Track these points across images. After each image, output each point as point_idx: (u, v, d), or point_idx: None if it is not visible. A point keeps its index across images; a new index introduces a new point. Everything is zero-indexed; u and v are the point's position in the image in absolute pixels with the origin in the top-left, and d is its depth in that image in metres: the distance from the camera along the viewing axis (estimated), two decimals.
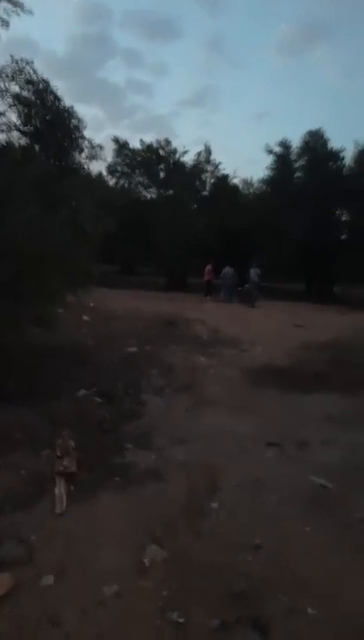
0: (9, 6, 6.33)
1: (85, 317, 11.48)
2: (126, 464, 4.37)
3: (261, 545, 3.29)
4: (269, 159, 23.99)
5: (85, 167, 7.43)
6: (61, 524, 3.40)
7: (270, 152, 23.46)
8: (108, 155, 22.48)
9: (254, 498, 3.91)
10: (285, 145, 23.35)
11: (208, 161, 24.28)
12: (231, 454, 4.70)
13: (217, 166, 24.61)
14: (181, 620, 2.64)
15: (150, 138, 50.08)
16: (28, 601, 2.71)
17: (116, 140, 23.89)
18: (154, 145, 24.04)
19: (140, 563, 3.06)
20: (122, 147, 24.03)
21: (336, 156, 22.55)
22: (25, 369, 6.75)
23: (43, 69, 6.31)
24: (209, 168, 24.43)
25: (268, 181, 24.25)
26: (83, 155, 7.27)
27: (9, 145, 6.87)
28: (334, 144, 22.84)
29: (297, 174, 23.23)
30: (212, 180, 24.69)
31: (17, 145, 6.71)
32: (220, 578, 2.96)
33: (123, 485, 3.96)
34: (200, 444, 4.88)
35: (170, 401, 6.34)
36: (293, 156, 23.36)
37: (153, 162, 23.95)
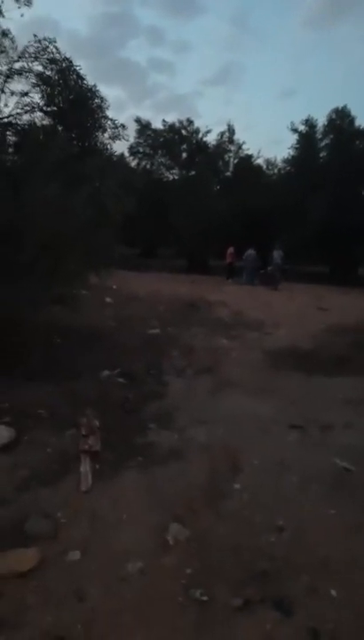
0: None
1: (108, 299, 11.54)
2: (149, 444, 4.41)
3: (284, 526, 3.29)
4: (293, 138, 23.43)
5: (108, 147, 7.38)
6: (86, 502, 3.45)
7: (294, 131, 22.92)
8: (130, 135, 22.29)
9: (276, 479, 3.90)
10: (310, 123, 22.77)
11: (231, 141, 23.91)
12: (253, 436, 4.68)
13: (240, 146, 24.24)
14: (204, 598, 2.66)
15: (172, 118, 49.50)
16: (55, 575, 2.77)
17: (138, 121, 23.71)
18: (177, 125, 23.76)
19: (163, 541, 3.10)
20: (144, 127, 23.81)
21: (362, 134, 21.92)
22: (48, 348, 6.84)
23: (65, 49, 6.31)
24: (233, 148, 24.08)
25: (292, 161, 23.76)
26: (106, 135, 7.22)
27: (31, 126, 6.85)
28: (361, 122, 22.25)
29: (322, 153, 22.69)
30: (235, 161, 24.33)
31: (40, 125, 6.70)
32: (243, 557, 2.98)
33: (146, 465, 4.00)
34: (222, 425, 4.87)
35: (192, 382, 6.35)
36: (318, 135, 22.79)
37: (175, 142, 23.68)
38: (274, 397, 5.76)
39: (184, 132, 23.72)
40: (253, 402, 5.60)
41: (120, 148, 24.78)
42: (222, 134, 23.86)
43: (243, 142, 24.58)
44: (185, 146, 23.73)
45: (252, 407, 5.43)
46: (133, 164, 24.15)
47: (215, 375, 6.58)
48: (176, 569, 2.88)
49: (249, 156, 24.59)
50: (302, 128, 22.89)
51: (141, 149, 24.10)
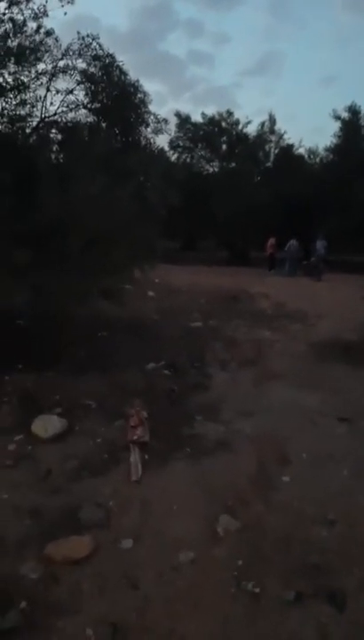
0: None
1: (150, 293, 11.63)
2: (196, 435, 4.44)
3: (335, 520, 3.25)
4: (336, 126, 22.72)
5: (151, 142, 7.42)
6: (137, 491, 3.51)
7: (337, 118, 22.20)
8: (170, 130, 22.29)
9: (326, 472, 3.86)
10: (353, 110, 21.99)
11: (272, 131, 23.42)
12: (300, 428, 4.64)
13: (281, 136, 23.71)
14: (256, 590, 2.67)
15: (212, 110, 49.09)
16: (108, 563, 2.84)
17: (178, 115, 23.57)
18: (216, 117, 23.47)
19: (214, 532, 3.12)
20: (183, 121, 23.65)
21: None
22: (95, 341, 6.99)
23: (106, 45, 6.38)
24: (273, 138, 23.56)
25: (334, 149, 23.09)
26: (149, 129, 7.25)
27: (75, 124, 6.96)
28: None
29: None
30: (276, 151, 23.83)
31: (84, 122, 6.79)
32: (294, 550, 2.97)
33: (194, 456, 4.03)
34: (268, 417, 4.85)
35: (236, 374, 6.33)
36: (362, 122, 22.04)
37: (215, 134, 23.42)
38: (320, 390, 5.67)
39: (223, 123, 23.41)
40: (299, 394, 5.54)
41: (160, 142, 24.78)
42: (262, 125, 23.40)
43: (284, 132, 24.09)
44: (225, 138, 23.40)
45: (298, 399, 5.37)
46: (173, 158, 24.13)
47: (259, 367, 6.53)
48: (227, 560, 2.89)
49: (291, 146, 24.04)
50: (345, 115, 22.16)
51: (181, 143, 23.97)
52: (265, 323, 9.16)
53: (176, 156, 24.17)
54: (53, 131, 6.84)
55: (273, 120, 23.45)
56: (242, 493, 3.51)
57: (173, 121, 22.98)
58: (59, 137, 7.04)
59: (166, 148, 22.54)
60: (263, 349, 7.34)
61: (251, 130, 23.74)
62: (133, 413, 4.48)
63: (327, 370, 6.46)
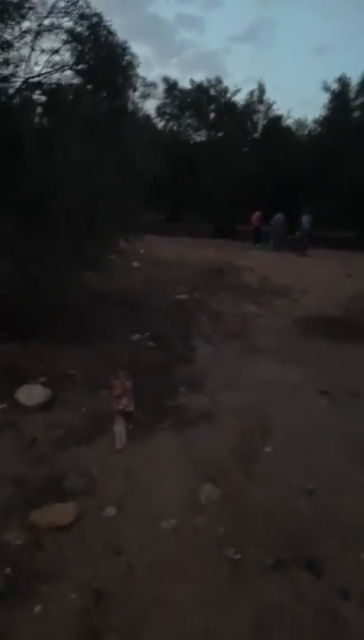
0: None
1: (135, 264, 11.51)
2: (180, 406, 4.48)
3: (314, 490, 3.34)
4: (325, 98, 22.32)
5: (139, 106, 7.20)
6: (121, 460, 3.55)
7: (327, 89, 21.73)
8: (158, 95, 21.70)
9: (307, 444, 3.93)
10: (343, 82, 21.56)
11: (260, 101, 22.91)
12: (283, 401, 4.70)
13: (270, 106, 23.24)
14: (237, 557, 2.74)
15: (200, 77, 47.77)
16: (92, 530, 2.88)
17: (166, 80, 22.91)
18: (205, 84, 22.88)
19: (196, 500, 3.18)
20: (171, 87, 23.01)
21: None
22: (80, 311, 6.91)
23: (92, 4, 6.08)
24: (262, 108, 23.12)
25: (323, 122, 22.77)
26: (137, 93, 7.03)
27: (61, 85, 6.70)
28: None
29: (356, 113, 21.65)
30: (264, 122, 23.44)
31: (70, 84, 6.54)
32: (274, 519, 3.04)
33: (178, 426, 4.08)
34: (251, 390, 4.90)
35: (220, 348, 6.36)
36: (351, 95, 21.70)
37: (203, 102, 22.87)
38: (303, 364, 5.74)
39: (212, 91, 22.83)
40: (282, 368, 5.60)
41: (147, 108, 24.04)
42: (251, 93, 22.93)
43: (273, 102, 23.56)
44: (213, 106, 22.84)
45: (281, 374, 5.43)
46: (160, 125, 23.56)
47: (243, 341, 6.57)
48: (208, 528, 2.96)
49: (279, 117, 23.62)
50: (334, 87, 21.74)
51: (168, 110, 23.41)
52: (250, 297, 9.17)
53: (163, 123, 23.62)
54: (37, 92, 6.57)
55: (262, 89, 22.96)
56: (225, 464, 3.57)
57: (160, 87, 22.34)
58: (44, 99, 6.78)
59: (153, 115, 22.02)
60: (247, 323, 7.37)
61: (240, 99, 23.25)
62: (118, 384, 4.48)
63: (310, 345, 6.53)
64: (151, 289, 9.20)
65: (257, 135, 23.45)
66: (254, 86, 23.65)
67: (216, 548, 2.81)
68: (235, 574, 2.63)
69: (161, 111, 23.12)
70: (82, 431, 3.90)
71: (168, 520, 2.98)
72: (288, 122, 24.15)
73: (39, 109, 6.79)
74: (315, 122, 23.57)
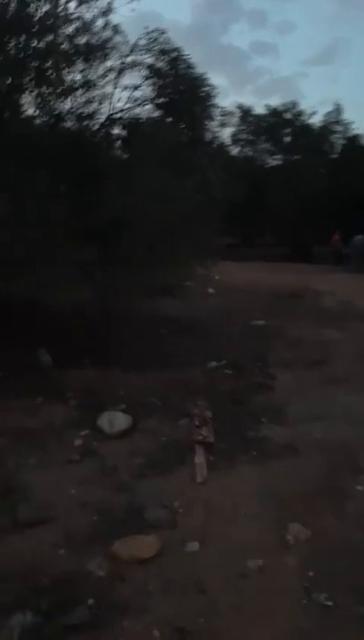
0: None
1: (210, 290, 11.55)
2: (261, 437, 4.31)
3: None
4: None
5: (216, 135, 7.33)
6: (202, 493, 3.45)
7: None
8: (232, 123, 22.07)
9: None
10: None
11: (337, 121, 22.61)
12: None
13: (347, 126, 22.86)
14: (329, 603, 2.54)
15: (275, 101, 47.90)
16: (174, 565, 2.80)
17: (240, 107, 23.24)
18: (280, 109, 22.95)
19: (283, 539, 3.00)
20: (245, 113, 23.32)
21: None
22: (157, 337, 7.00)
23: (172, 39, 6.40)
24: (339, 129, 22.76)
25: None
26: (215, 123, 7.17)
27: (141, 119, 6.98)
28: None
29: None
30: (342, 142, 23.02)
31: (150, 117, 6.79)
32: None
33: (261, 459, 3.92)
34: (337, 421, 4.63)
35: (302, 376, 6.12)
36: None
37: (278, 126, 22.91)
38: None
39: (287, 115, 22.87)
40: None
41: (222, 135, 24.34)
42: (328, 115, 22.71)
43: (351, 122, 23.15)
44: (288, 130, 22.90)
45: None
46: (235, 151, 23.82)
47: (326, 369, 6.28)
48: (297, 569, 2.78)
49: (358, 136, 23.13)
50: None
51: (243, 136, 23.66)
52: (331, 322, 8.81)
53: (237, 149, 23.88)
54: (119, 127, 6.90)
55: (339, 110, 22.65)
56: (312, 501, 3.36)
57: (236, 114, 22.70)
58: (124, 133, 7.10)
59: (228, 142, 22.35)
60: (330, 350, 7.06)
61: (316, 120, 23.04)
62: (197, 413, 4.42)
63: None
64: (226, 315, 9.15)
65: (334, 156, 23.04)
66: (331, 107, 23.36)
67: (305, 592, 2.62)
68: (326, 621, 2.44)
69: (235, 137, 23.41)
70: (162, 460, 3.86)
71: (253, 558, 2.83)
72: None
73: (120, 143, 7.11)
74: None
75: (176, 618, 2.44)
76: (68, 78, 6.09)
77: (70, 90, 6.17)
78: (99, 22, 6.33)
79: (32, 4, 5.65)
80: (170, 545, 2.94)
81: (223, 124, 7.37)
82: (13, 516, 3.15)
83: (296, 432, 4.43)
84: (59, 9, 5.89)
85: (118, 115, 6.67)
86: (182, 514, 3.23)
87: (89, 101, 6.39)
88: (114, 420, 4.36)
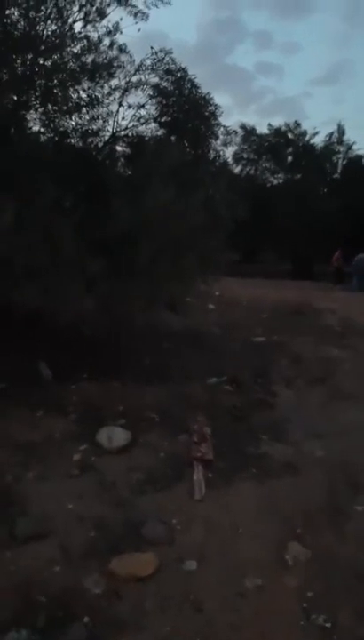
0: None
1: (211, 305, 11.56)
2: (261, 455, 4.29)
3: None
4: None
5: (220, 154, 7.43)
6: (200, 510, 3.43)
7: None
8: (235, 142, 22.37)
9: None
10: None
11: (340, 141, 22.95)
12: None
13: (350, 147, 23.19)
14: (328, 625, 2.51)
15: (278, 121, 48.53)
16: (172, 583, 2.77)
17: (243, 127, 23.57)
18: (283, 128, 23.32)
19: (282, 559, 2.97)
20: (249, 133, 23.66)
21: None
22: (157, 352, 7.00)
23: (177, 59, 6.55)
24: (342, 149, 23.10)
25: None
26: (219, 141, 7.27)
27: (146, 137, 7.07)
28: None
29: None
30: (344, 162, 23.33)
31: (154, 135, 6.89)
32: None
33: (260, 477, 3.88)
34: (339, 440, 4.60)
35: (303, 393, 6.10)
36: None
37: (281, 146, 23.24)
38: None
39: (290, 135, 23.23)
40: None
41: (225, 153, 24.64)
42: (331, 135, 23.07)
43: (353, 142, 23.49)
44: (291, 149, 23.22)
45: None
46: (237, 170, 24.11)
47: (327, 386, 6.26)
48: (296, 590, 2.74)
49: (360, 157, 23.44)
50: None
51: (245, 155, 23.97)
52: (332, 340, 8.81)
53: (239, 168, 24.15)
54: (123, 144, 6.99)
55: (341, 130, 23.01)
56: (312, 520, 3.33)
57: (239, 133, 23.01)
58: (129, 150, 7.18)
59: (230, 160, 22.62)
60: (331, 368, 7.04)
61: (319, 140, 23.38)
62: (196, 429, 4.41)
63: None
64: (227, 331, 9.15)
65: (336, 175, 23.32)
66: (334, 128, 23.74)
67: (304, 613, 2.59)
68: None
69: (237, 156, 23.69)
70: (160, 476, 3.83)
71: (252, 578, 2.81)
72: None
73: (125, 160, 7.19)
74: None
75: (173, 637, 2.42)
76: (74, 96, 6.19)
77: (76, 107, 6.26)
78: (106, 42, 6.45)
79: (40, 24, 5.76)
80: (168, 562, 2.91)
81: (226, 143, 7.42)
82: (10, 530, 3.12)
83: (297, 450, 4.40)
84: (66, 28, 6.01)
85: (122, 132, 6.77)
86: (180, 531, 3.21)
87: (94, 119, 6.49)
88: (113, 436, 4.34)
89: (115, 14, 6.52)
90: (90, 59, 6.29)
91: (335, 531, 3.24)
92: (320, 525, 3.28)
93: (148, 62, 6.68)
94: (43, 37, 5.73)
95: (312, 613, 2.59)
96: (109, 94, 6.67)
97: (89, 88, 6.36)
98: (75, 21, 6.12)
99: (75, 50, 6.14)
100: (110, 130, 6.80)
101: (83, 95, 6.34)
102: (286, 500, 3.54)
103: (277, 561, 2.95)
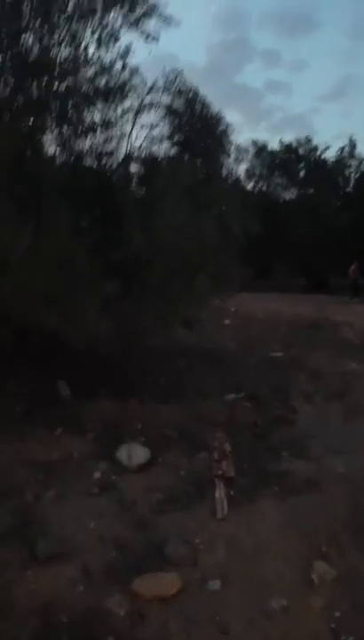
0: (159, 22, 6.53)
1: (227, 321, 11.53)
2: (283, 472, 4.22)
3: None
4: None
5: (232, 171, 7.52)
6: (223, 529, 3.38)
7: None
8: (247, 159, 22.58)
9: None
10: None
11: (352, 155, 22.97)
12: None
13: (362, 160, 23.17)
14: None
15: (289, 137, 48.84)
16: (196, 603, 2.73)
17: (255, 144, 23.76)
18: (294, 144, 23.44)
19: (307, 578, 2.91)
20: (260, 150, 23.82)
21: None
22: (174, 369, 6.98)
23: (188, 80, 6.72)
24: (354, 163, 23.10)
25: None
26: (231, 159, 7.35)
27: (158, 157, 7.17)
28: None
29: None
30: (356, 175, 23.30)
31: (167, 155, 6.99)
32: None
33: (282, 494, 3.82)
34: (360, 455, 4.52)
35: (322, 408, 6.03)
36: None
37: (292, 161, 23.33)
38: None
39: (301, 150, 23.33)
40: None
41: (237, 170, 24.80)
42: (342, 149, 23.11)
43: None
44: (302, 164, 23.29)
45: None
46: (249, 186, 24.21)
47: (347, 401, 6.17)
48: (324, 610, 2.69)
49: None
50: None
51: (257, 172, 24.08)
52: (350, 354, 8.70)
53: (252, 184, 24.26)
54: (137, 164, 7.09)
55: (353, 144, 23.03)
56: (337, 538, 3.26)
57: (250, 150, 23.21)
58: (143, 170, 7.28)
59: (242, 177, 22.77)
60: (350, 382, 6.95)
61: (330, 155, 23.43)
62: (217, 446, 4.37)
63: None
64: (244, 347, 9.11)
65: (349, 189, 23.30)
66: (345, 142, 23.77)
67: (332, 634, 2.53)
68: None
69: (250, 173, 23.81)
70: (181, 495, 3.79)
71: (277, 598, 2.75)
72: None
73: (138, 180, 7.28)
74: None
75: None
76: (88, 118, 6.31)
77: (90, 129, 6.38)
78: (118, 64, 6.57)
79: (54, 49, 5.91)
80: (191, 583, 2.87)
81: (239, 160, 7.51)
82: (31, 549, 3.10)
83: (318, 466, 4.33)
84: (80, 52, 6.16)
85: (136, 153, 6.88)
86: (203, 550, 3.16)
87: (108, 140, 6.60)
88: (133, 454, 4.32)
89: (127, 38, 6.67)
90: (103, 81, 6.42)
91: (359, 548, 3.16)
92: (345, 543, 3.20)
93: (160, 83, 6.82)
94: (58, 62, 5.87)
95: (341, 634, 2.52)
96: (122, 115, 6.79)
97: (102, 110, 6.48)
98: (87, 45, 6.27)
99: (89, 73, 6.27)
100: (124, 150, 6.91)
101: (97, 117, 6.46)
102: (309, 518, 3.47)
103: (302, 581, 2.89)
